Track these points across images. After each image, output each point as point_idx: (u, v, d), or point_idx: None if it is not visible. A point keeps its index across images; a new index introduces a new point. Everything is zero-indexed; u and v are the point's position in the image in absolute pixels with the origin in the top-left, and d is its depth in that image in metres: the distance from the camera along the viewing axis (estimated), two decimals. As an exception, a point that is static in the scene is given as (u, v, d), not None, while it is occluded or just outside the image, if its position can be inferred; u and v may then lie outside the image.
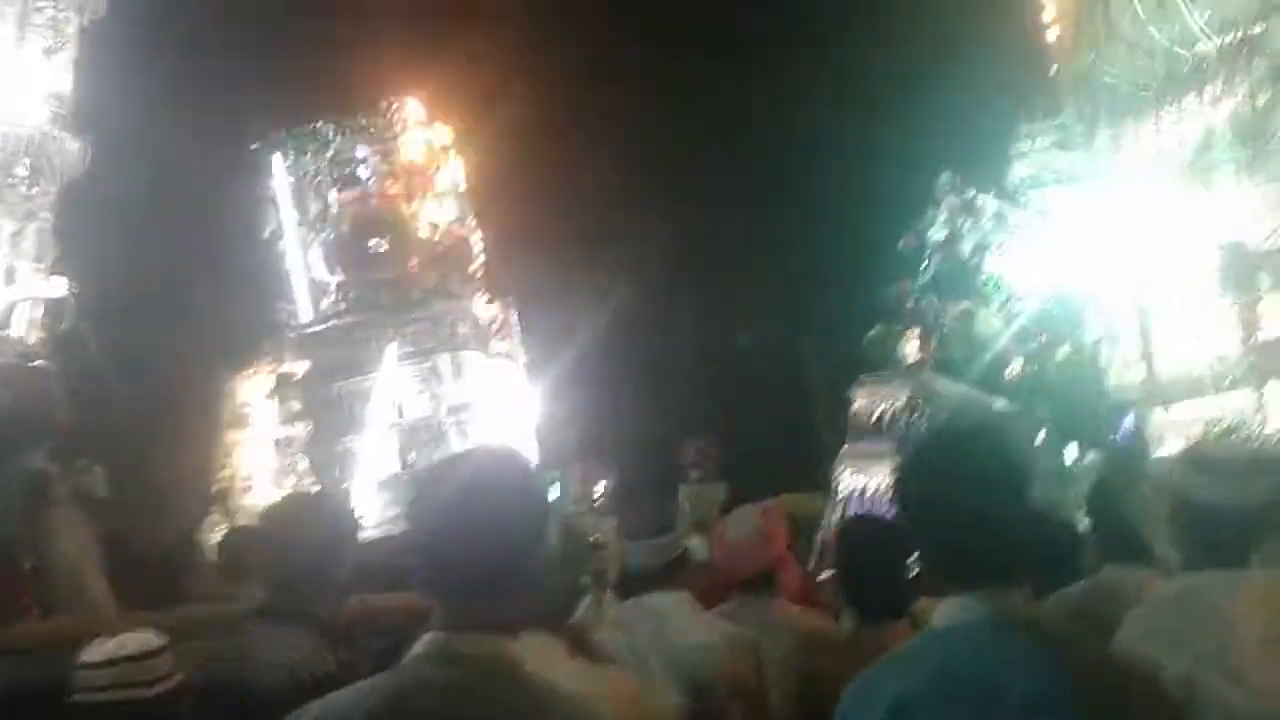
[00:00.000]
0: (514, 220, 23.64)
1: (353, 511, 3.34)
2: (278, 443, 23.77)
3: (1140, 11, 14.10)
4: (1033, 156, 18.02)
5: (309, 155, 24.41)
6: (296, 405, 23.19)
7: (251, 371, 23.94)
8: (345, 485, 21.35)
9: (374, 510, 20.41)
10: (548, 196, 23.79)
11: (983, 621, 1.74)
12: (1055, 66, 17.22)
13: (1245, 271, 12.95)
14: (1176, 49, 14.37)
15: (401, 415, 22.41)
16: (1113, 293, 15.05)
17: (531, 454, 22.14)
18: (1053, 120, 17.63)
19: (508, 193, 23.59)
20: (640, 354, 25.50)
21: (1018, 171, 18.17)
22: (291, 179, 24.39)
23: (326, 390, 22.62)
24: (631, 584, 3.79)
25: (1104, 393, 15.07)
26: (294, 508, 3.13)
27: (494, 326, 23.94)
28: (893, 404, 16.67)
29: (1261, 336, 12.65)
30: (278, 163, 24.27)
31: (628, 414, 24.64)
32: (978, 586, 1.78)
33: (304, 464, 22.82)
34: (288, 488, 23.47)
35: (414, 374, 22.49)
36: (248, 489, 22.98)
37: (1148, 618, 2.22)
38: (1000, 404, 17.25)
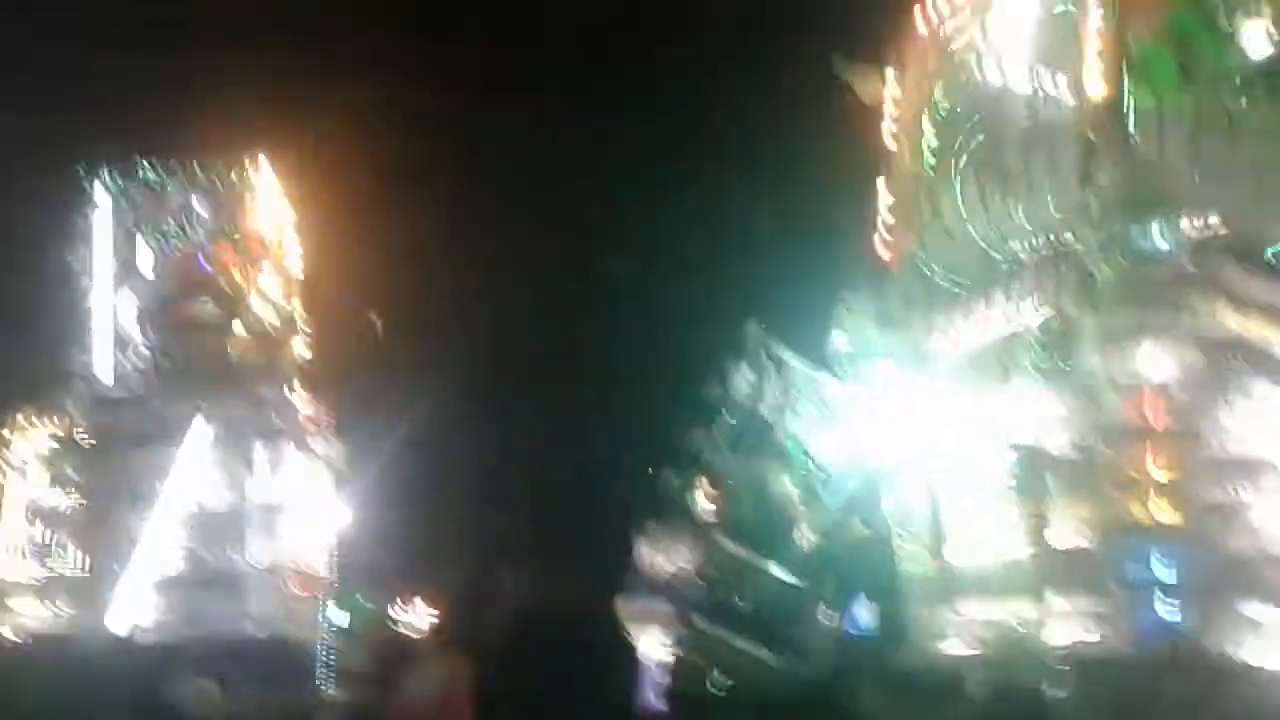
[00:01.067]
0: (342, 314, 22.31)
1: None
2: (37, 513, 21.36)
3: (961, 206, 14.45)
4: (851, 329, 18.19)
5: (135, 195, 22.07)
6: (71, 473, 20.80)
7: (18, 423, 21.55)
8: (118, 576, 19.23)
9: (149, 611, 18.82)
10: (385, 292, 22.67)
11: None
12: (884, 245, 17.52)
13: (1038, 476, 13.08)
14: (991, 249, 14.77)
15: (199, 506, 20.13)
16: (912, 480, 15.04)
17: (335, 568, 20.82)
18: (874, 297, 17.87)
19: (342, 282, 22.26)
20: (444, 472, 24.54)
21: (836, 340, 18.29)
22: (112, 218, 21.97)
23: (115, 462, 20.26)
24: None
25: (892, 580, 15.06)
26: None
27: (313, 424, 21.95)
28: (678, 565, 16.36)
29: (1048, 544, 12.71)
30: (98, 195, 21.84)
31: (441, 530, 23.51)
32: None
33: (70, 544, 20.40)
34: (45, 565, 21.29)
35: (223, 460, 20.28)
36: None
37: None
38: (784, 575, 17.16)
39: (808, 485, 17.74)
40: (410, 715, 3.47)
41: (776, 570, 16.30)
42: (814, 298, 18.69)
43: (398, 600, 24.91)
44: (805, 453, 18.30)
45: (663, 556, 16.44)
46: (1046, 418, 13.22)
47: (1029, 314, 14.07)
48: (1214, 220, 12.64)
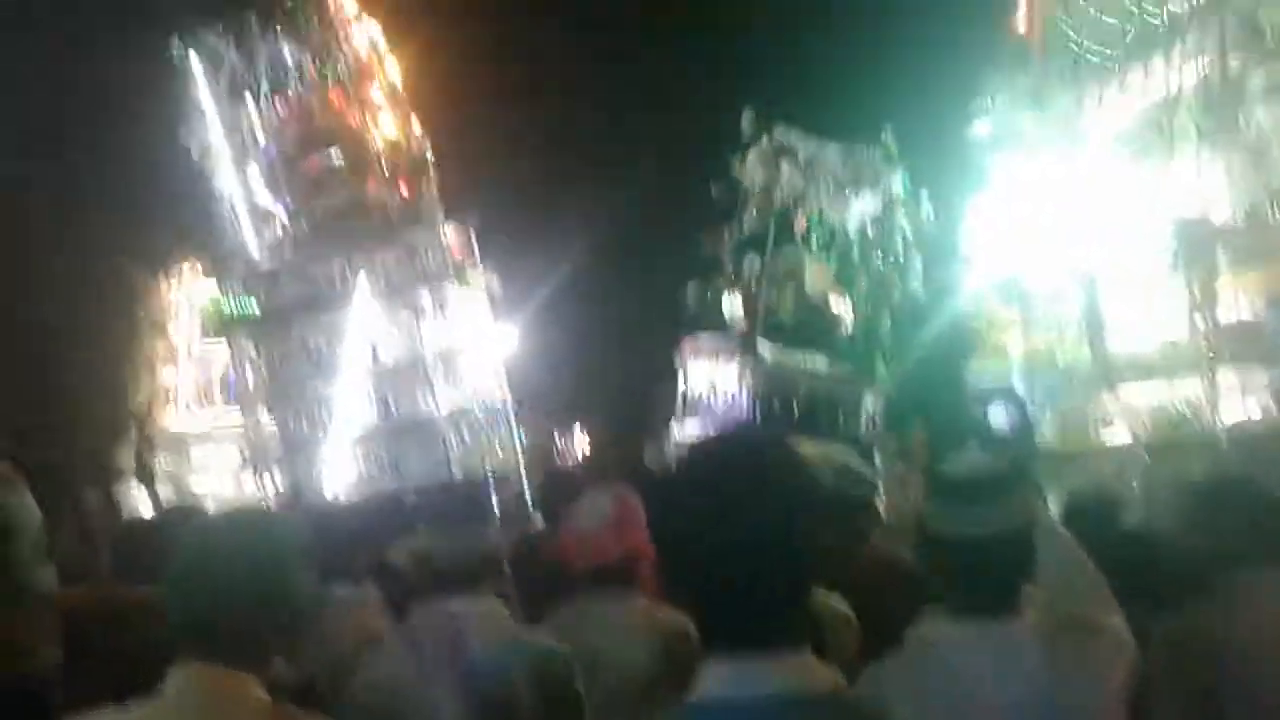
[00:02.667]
0: (463, 129, 21.32)
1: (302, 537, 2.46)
2: (196, 358, 21.94)
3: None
4: (993, 115, 17.31)
5: (233, 56, 21.22)
6: (251, 349, 21.07)
7: (174, 277, 21.85)
8: (319, 440, 19.61)
9: (355, 466, 19.21)
10: (495, 101, 21.75)
11: (764, 700, 1.30)
12: (1020, 23, 16.47)
13: (1203, 249, 12.30)
14: (1147, 7, 13.68)
15: (377, 359, 19.93)
16: (1064, 264, 14.36)
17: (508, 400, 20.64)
18: (1015, 79, 16.93)
19: (452, 97, 21.24)
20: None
21: (977, 129, 17.46)
22: (213, 85, 21.50)
23: (284, 334, 20.24)
24: (437, 586, 3.06)
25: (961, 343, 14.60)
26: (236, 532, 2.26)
27: (463, 255, 21.33)
28: (723, 378, 16.08)
29: (1218, 318, 12.00)
30: (195, 66, 21.40)
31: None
32: (755, 651, 1.31)
33: (262, 416, 20.86)
34: (210, 409, 22.10)
35: (391, 311, 19.88)
36: (167, 407, 21.35)
37: (881, 676, 1.80)
38: (835, 367, 16.73)
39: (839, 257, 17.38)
40: (584, 544, 3.35)
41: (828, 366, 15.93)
42: (951, 81, 17.79)
43: (560, 430, 24.96)
44: (824, 227, 17.90)
45: (710, 376, 16.07)
46: (1211, 184, 12.35)
47: (1188, 75, 13.04)
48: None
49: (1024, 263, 15.26)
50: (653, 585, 3.64)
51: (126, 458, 19.05)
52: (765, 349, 16.69)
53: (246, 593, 1.96)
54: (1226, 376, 11.64)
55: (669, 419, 18.56)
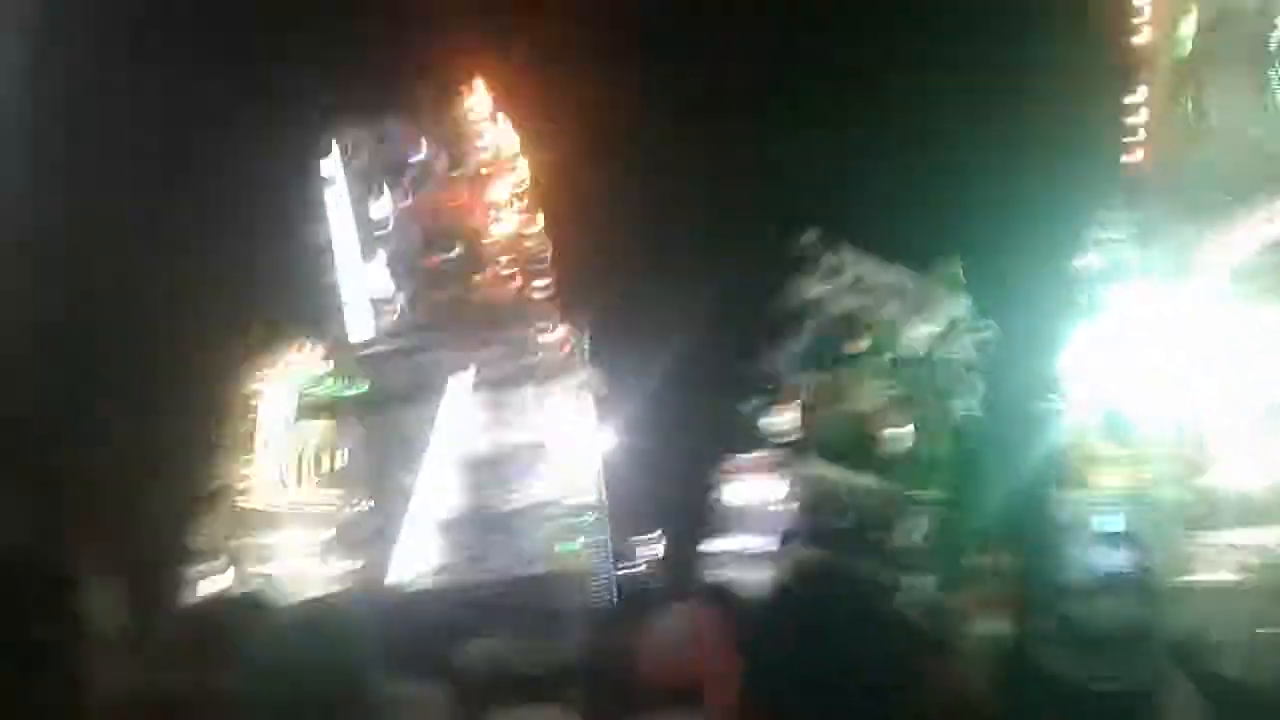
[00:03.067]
0: (583, 234, 21.88)
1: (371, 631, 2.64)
2: (315, 471, 22.35)
3: (1230, 99, 13.22)
4: (1105, 245, 17.13)
5: (366, 155, 22.66)
6: (343, 429, 21.49)
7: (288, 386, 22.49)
8: (395, 527, 19.83)
9: (438, 553, 19.28)
10: (619, 207, 22.26)
11: None
12: (1138, 154, 16.35)
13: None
14: (1265, 147, 13.51)
15: (472, 451, 20.01)
16: (1171, 398, 14.06)
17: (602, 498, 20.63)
18: (1130, 212, 16.76)
19: (575, 202, 21.85)
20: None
21: (1087, 259, 17.27)
22: (347, 181, 22.60)
23: (388, 418, 20.70)
24: (510, 695, 3.14)
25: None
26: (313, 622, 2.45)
27: (568, 354, 21.75)
28: (770, 496, 15.83)
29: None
30: (334, 163, 22.54)
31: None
32: None
33: (347, 499, 21.15)
34: (293, 490, 22.44)
35: (488, 404, 20.24)
36: (245, 492, 21.86)
37: None
38: (887, 484, 16.41)
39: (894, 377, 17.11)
40: (663, 662, 3.28)
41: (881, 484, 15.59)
42: (1064, 211, 17.68)
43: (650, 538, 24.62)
44: (886, 346, 17.67)
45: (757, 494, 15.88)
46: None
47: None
48: None
49: (1128, 398, 14.98)
50: (723, 707, 3.64)
51: (205, 537, 19.32)
52: (814, 466, 16.59)
53: (320, 691, 2.07)
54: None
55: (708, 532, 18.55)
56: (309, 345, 22.22)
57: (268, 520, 21.46)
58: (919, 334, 18.40)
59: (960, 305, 18.92)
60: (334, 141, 22.15)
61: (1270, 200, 13.80)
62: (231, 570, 19.34)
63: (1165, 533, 14.14)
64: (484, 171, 22.14)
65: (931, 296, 18.70)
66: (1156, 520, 14.27)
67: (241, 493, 21.17)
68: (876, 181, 24.31)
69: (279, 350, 22.11)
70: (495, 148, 22.19)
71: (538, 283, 21.40)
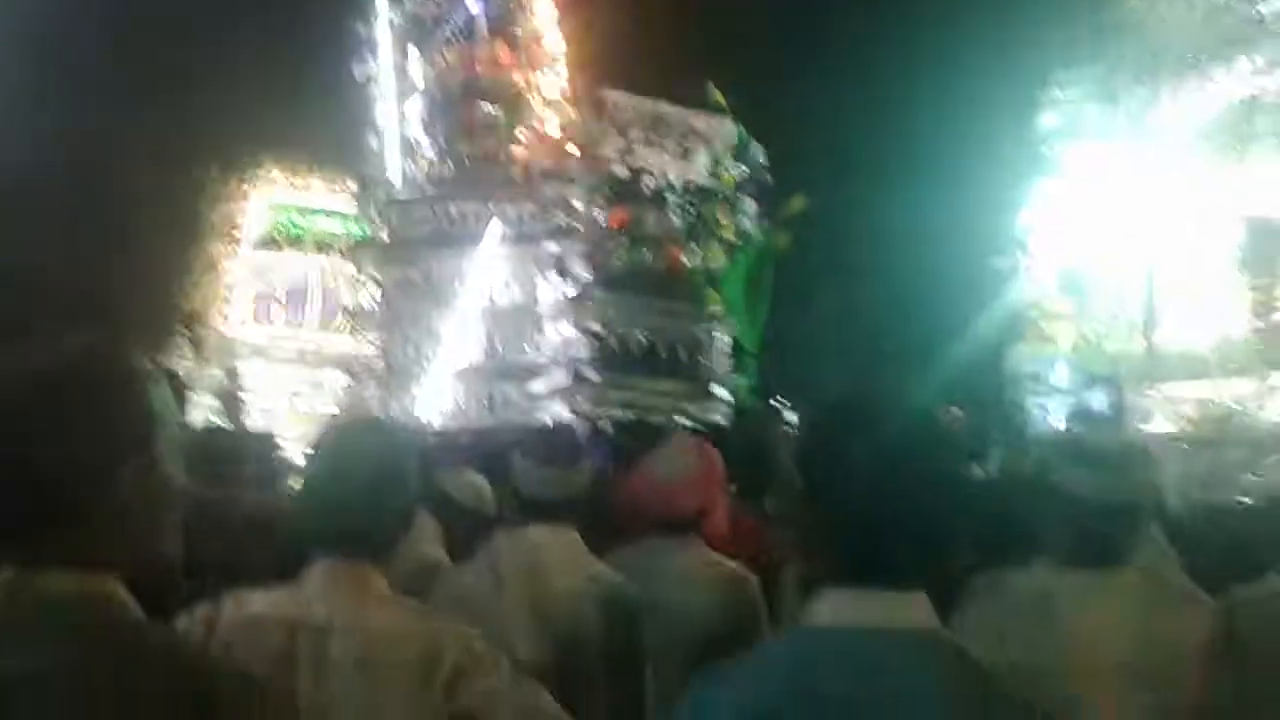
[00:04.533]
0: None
1: (412, 441, 2.73)
2: (341, 309, 22.35)
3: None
4: (1063, 106, 17.18)
5: (412, 3, 22.00)
6: (372, 270, 21.55)
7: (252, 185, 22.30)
8: (424, 371, 20.01)
9: (452, 398, 19.40)
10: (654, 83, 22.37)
11: (872, 629, 1.40)
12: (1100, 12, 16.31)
13: (1267, 251, 12.29)
14: (1233, 7, 13.56)
15: (493, 301, 19.93)
16: (1126, 257, 14.36)
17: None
18: (1089, 69, 16.78)
19: (612, 75, 21.80)
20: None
21: (1046, 118, 17.34)
22: (391, 26, 21.87)
23: (408, 264, 20.65)
24: (526, 516, 3.27)
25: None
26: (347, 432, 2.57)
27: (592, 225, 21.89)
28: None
29: (1275, 321, 11.99)
30: (376, 4, 21.91)
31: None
32: (872, 584, 1.42)
33: (373, 338, 21.28)
34: (269, 325, 22.47)
35: (515, 259, 20.06)
36: (223, 318, 21.70)
37: (981, 613, 1.99)
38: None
39: None
40: (657, 493, 3.37)
41: None
42: (1020, 68, 17.67)
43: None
44: None
45: None
46: (1281, 189, 12.32)
47: (1273, 76, 12.96)
48: None
49: (1084, 254, 15.26)
50: (719, 537, 3.79)
51: (176, 359, 19.33)
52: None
53: (376, 495, 2.18)
54: (1277, 378, 11.68)
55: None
56: (336, 181, 22.13)
57: (237, 352, 21.61)
58: (691, 164, 19.01)
59: (729, 130, 19.40)
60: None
61: (1228, 61, 13.93)
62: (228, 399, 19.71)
63: (1107, 383, 14.65)
64: (527, 36, 22.10)
65: (701, 126, 19.11)
66: (1100, 371, 14.77)
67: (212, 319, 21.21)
68: (840, 43, 24.23)
69: (254, 180, 21.88)
70: (543, 12, 22.19)
71: (569, 147, 21.35)
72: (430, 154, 21.41)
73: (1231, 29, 13.95)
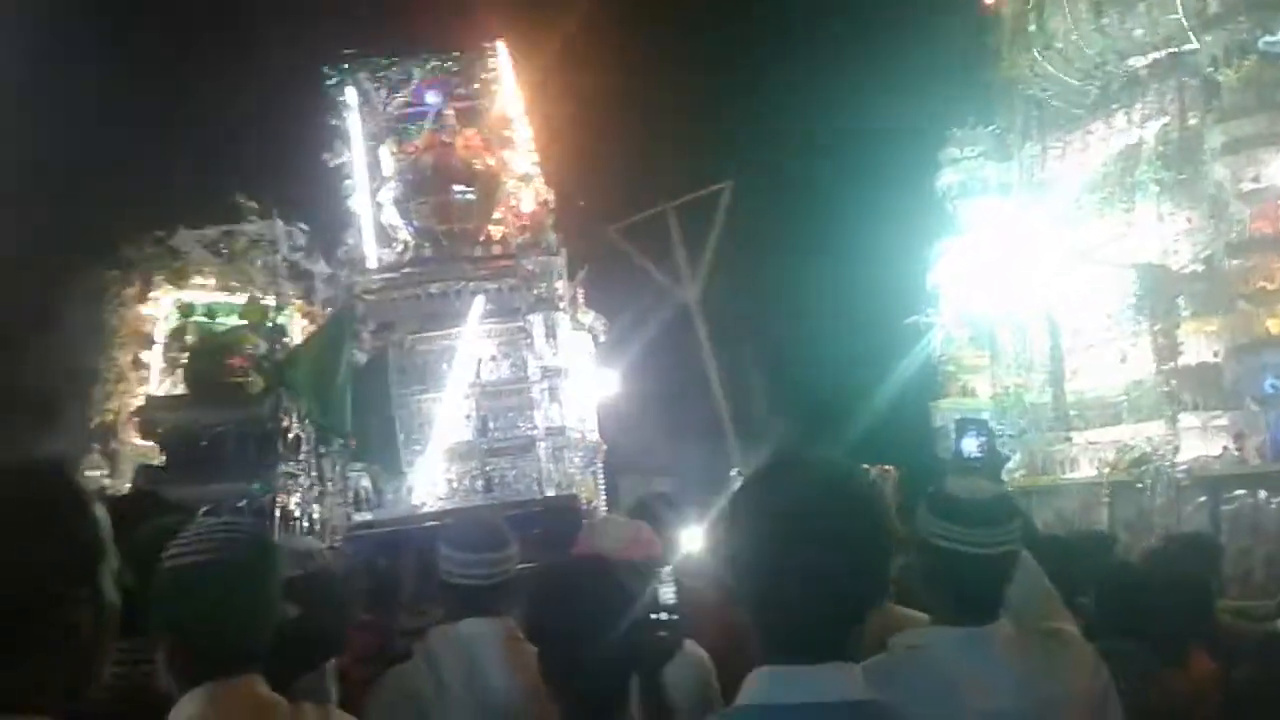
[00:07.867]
0: (584, 188, 22.46)
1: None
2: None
3: (1074, 24, 13.82)
4: (962, 164, 17.74)
5: (384, 92, 22.47)
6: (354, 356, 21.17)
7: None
8: (409, 451, 19.62)
9: (447, 478, 19.27)
10: (618, 164, 22.76)
11: (801, 705, 1.39)
12: (989, 75, 16.98)
13: (1164, 295, 12.74)
14: (1109, 65, 14.18)
15: (479, 377, 20.16)
16: (1030, 310, 14.78)
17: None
18: (984, 128, 17.39)
19: (579, 157, 22.28)
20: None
21: (946, 178, 17.87)
22: (366, 115, 22.22)
23: (393, 342, 20.54)
24: (454, 607, 3.22)
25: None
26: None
27: (575, 295, 22.00)
28: None
29: (1179, 363, 12.41)
30: (351, 96, 22.26)
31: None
32: (813, 660, 1.41)
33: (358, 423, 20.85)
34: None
35: (500, 334, 20.33)
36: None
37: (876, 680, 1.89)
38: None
39: None
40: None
41: None
42: (917, 131, 18.24)
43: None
44: None
45: None
46: (1170, 234, 12.82)
47: (1148, 128, 13.56)
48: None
49: (992, 307, 15.70)
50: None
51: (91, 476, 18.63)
52: None
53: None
54: (1187, 419, 12.03)
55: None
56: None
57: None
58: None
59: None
60: (350, 76, 22.34)
61: (1107, 114, 14.55)
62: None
63: (1028, 431, 15.00)
64: (498, 122, 22.48)
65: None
66: (1020, 420, 15.12)
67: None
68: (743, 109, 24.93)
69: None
70: (509, 106, 22.57)
71: (545, 222, 21.69)
72: (407, 237, 21.59)
73: (1108, 84, 14.59)
